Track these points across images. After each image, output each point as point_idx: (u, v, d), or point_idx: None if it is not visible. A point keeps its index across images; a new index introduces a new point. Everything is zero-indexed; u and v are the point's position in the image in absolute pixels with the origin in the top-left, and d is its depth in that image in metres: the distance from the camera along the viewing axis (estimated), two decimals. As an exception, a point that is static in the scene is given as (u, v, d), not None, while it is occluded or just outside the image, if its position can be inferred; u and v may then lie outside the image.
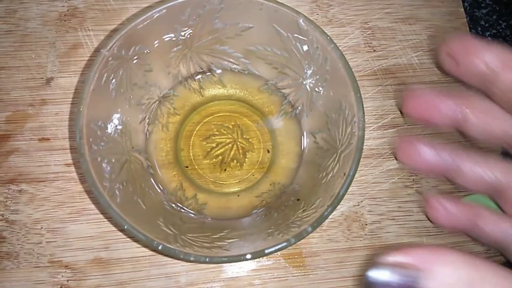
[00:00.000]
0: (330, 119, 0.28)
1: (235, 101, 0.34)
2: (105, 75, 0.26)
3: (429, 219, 0.28)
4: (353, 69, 0.36)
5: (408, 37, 0.38)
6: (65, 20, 0.36)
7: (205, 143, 0.33)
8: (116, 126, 0.28)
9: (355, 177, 0.33)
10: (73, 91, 0.35)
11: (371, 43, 0.37)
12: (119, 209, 0.24)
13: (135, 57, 0.28)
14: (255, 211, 0.30)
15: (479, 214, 0.23)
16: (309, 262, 0.32)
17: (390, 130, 0.35)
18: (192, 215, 0.30)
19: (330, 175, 0.26)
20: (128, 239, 0.32)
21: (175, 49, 0.30)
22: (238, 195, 0.32)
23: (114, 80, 0.27)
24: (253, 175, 0.32)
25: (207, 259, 0.23)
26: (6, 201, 0.32)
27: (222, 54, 0.31)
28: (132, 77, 0.28)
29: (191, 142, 0.33)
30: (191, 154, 0.33)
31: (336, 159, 0.26)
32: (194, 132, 0.33)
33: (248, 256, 0.23)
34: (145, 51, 0.28)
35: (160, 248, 0.23)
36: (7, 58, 0.35)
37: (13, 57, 0.35)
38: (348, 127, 0.25)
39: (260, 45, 0.30)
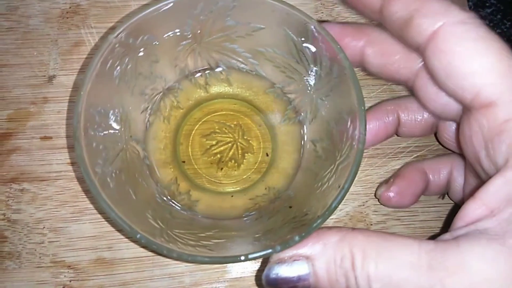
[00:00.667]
0: (332, 129, 0.28)
1: (239, 101, 0.33)
2: (110, 62, 0.25)
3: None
4: (357, 68, 0.36)
5: (413, 36, 0.37)
6: (67, 18, 0.36)
7: (205, 140, 0.33)
8: (116, 113, 0.28)
9: (360, 177, 0.34)
10: (75, 89, 0.34)
11: (376, 42, 0.37)
12: (108, 197, 0.23)
13: (143, 47, 0.27)
14: (246, 213, 0.30)
15: None
16: (314, 262, 0.32)
17: (395, 130, 0.35)
18: (183, 211, 0.29)
19: (325, 186, 0.26)
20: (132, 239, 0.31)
21: (184, 42, 0.29)
22: (232, 196, 0.32)
23: (118, 68, 0.26)
24: (250, 177, 0.32)
25: (190, 258, 0.22)
26: (8, 200, 0.32)
27: (231, 52, 0.30)
28: (137, 66, 0.28)
29: (190, 138, 0.33)
30: (189, 150, 0.33)
31: (333, 170, 0.26)
32: (195, 128, 0.33)
33: (231, 259, 0.23)
34: (154, 42, 0.28)
35: (143, 241, 0.22)
36: (8, 56, 0.35)
37: (14, 54, 0.35)
38: (348, 139, 0.25)
39: (270, 47, 0.29)
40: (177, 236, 0.25)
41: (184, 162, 0.32)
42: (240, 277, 0.31)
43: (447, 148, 0.31)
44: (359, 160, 0.24)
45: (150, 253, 0.31)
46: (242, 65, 0.32)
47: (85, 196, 0.32)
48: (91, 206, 0.32)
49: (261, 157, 0.33)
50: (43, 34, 0.36)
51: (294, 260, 0.22)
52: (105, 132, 0.26)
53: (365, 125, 0.24)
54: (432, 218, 0.33)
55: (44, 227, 0.31)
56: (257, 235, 0.26)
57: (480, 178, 0.25)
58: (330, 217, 0.32)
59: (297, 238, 0.22)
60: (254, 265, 0.31)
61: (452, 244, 0.20)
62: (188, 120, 0.33)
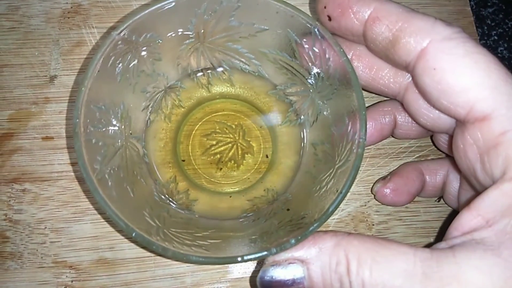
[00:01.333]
0: (332, 133, 0.28)
1: (241, 101, 0.33)
2: (112, 58, 0.26)
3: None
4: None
5: (415, 36, 0.37)
6: (68, 17, 0.36)
7: (205, 139, 0.33)
8: (116, 110, 0.28)
9: (362, 177, 0.34)
10: (77, 89, 0.34)
11: (377, 41, 0.37)
12: (106, 194, 0.23)
13: (146, 45, 0.27)
14: (244, 214, 0.30)
15: None
16: (315, 262, 0.32)
17: (397, 130, 0.35)
18: (180, 210, 0.29)
19: (323, 189, 0.26)
20: (133, 239, 0.31)
21: (187, 41, 0.29)
22: (230, 196, 0.32)
23: (121, 65, 0.27)
24: (248, 178, 0.32)
25: (184, 257, 0.22)
26: (10, 200, 0.32)
27: (234, 53, 0.30)
28: (140, 63, 0.28)
29: (191, 137, 0.33)
30: (189, 149, 0.33)
31: (332, 174, 0.26)
32: (196, 127, 0.33)
33: (226, 260, 0.23)
34: (157, 40, 0.28)
35: (138, 239, 0.22)
36: (10, 56, 0.35)
37: (16, 54, 0.35)
38: (348, 144, 0.25)
39: (273, 49, 0.29)
40: (173, 235, 0.25)
41: (183, 161, 0.32)
42: (242, 277, 0.31)
43: (442, 152, 0.31)
44: (358, 165, 0.24)
45: (152, 254, 0.31)
46: (245, 66, 0.32)
47: (86, 197, 0.32)
48: (92, 206, 0.32)
49: (261, 158, 0.33)
50: (44, 34, 0.35)
51: (289, 263, 0.22)
52: (105, 129, 0.26)
53: (366, 130, 0.24)
54: (433, 218, 0.33)
55: (45, 228, 0.31)
56: (253, 237, 0.26)
57: (474, 187, 0.25)
58: (332, 217, 0.32)
59: (293, 241, 0.22)
60: (256, 266, 0.31)
61: (448, 254, 0.20)
62: (189, 119, 0.33)
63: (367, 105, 0.33)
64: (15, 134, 0.33)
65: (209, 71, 0.32)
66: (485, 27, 0.40)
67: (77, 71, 0.35)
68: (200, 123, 0.33)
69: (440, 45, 0.22)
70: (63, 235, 0.31)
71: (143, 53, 0.28)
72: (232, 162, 0.33)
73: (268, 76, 0.32)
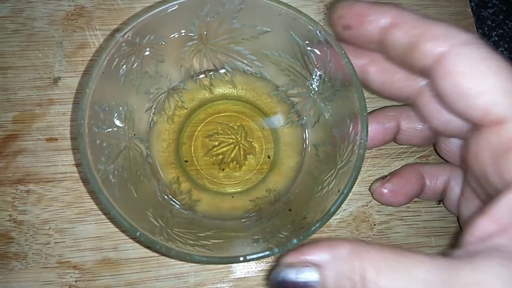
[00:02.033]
0: (334, 134, 0.28)
1: (243, 103, 0.34)
2: (116, 60, 0.26)
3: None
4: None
5: (416, 37, 0.38)
6: (72, 20, 0.36)
7: (207, 140, 0.33)
8: (120, 111, 0.28)
9: (363, 177, 0.34)
10: (80, 91, 0.35)
11: (378, 43, 0.37)
12: (110, 194, 0.23)
13: (149, 46, 0.28)
14: (246, 215, 0.30)
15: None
16: (318, 262, 0.32)
17: (398, 130, 0.35)
18: (183, 210, 0.30)
19: (325, 190, 0.26)
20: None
21: (190, 43, 0.29)
22: (233, 197, 0.32)
23: (124, 66, 0.27)
24: (251, 179, 0.32)
25: (188, 257, 0.23)
26: (14, 201, 0.32)
27: (236, 54, 0.31)
28: (143, 65, 0.28)
29: (193, 138, 0.33)
30: (192, 150, 0.33)
31: (334, 175, 0.26)
32: (199, 128, 0.33)
33: (229, 260, 0.23)
34: (160, 42, 0.28)
35: (142, 239, 0.23)
36: (14, 58, 0.35)
37: (20, 56, 0.35)
38: (350, 144, 0.25)
39: (275, 50, 0.30)
40: (177, 235, 0.25)
41: (186, 161, 0.33)
42: (245, 277, 0.31)
43: (445, 160, 0.31)
44: (359, 166, 0.24)
45: (155, 254, 0.31)
46: (247, 67, 0.32)
47: (90, 197, 0.32)
48: (96, 207, 0.32)
49: (263, 159, 0.33)
50: (48, 36, 0.36)
51: (304, 266, 0.22)
52: (109, 130, 0.27)
53: (367, 131, 0.24)
54: (435, 218, 0.33)
55: (50, 228, 0.32)
56: (255, 237, 0.26)
57: (479, 196, 0.26)
58: (334, 217, 0.32)
59: (295, 241, 0.23)
60: (259, 265, 0.32)
61: (466, 261, 0.20)
62: (191, 120, 0.33)
63: (370, 108, 0.34)
64: (20, 136, 0.33)
65: (211, 73, 0.33)
66: (486, 28, 0.41)
67: (80, 73, 0.35)
68: (202, 124, 0.33)
69: (458, 49, 0.23)
70: (67, 235, 0.32)
71: (147, 54, 0.28)
72: (234, 162, 0.33)
73: (270, 77, 0.32)
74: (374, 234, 0.33)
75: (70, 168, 0.33)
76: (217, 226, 0.29)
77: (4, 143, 0.33)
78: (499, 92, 0.22)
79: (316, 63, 0.28)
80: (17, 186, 0.32)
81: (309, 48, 0.27)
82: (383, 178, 0.32)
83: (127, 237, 0.32)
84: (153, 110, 0.32)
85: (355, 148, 0.24)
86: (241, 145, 0.33)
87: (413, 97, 0.28)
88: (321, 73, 0.28)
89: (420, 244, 0.33)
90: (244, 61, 0.31)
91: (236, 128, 0.33)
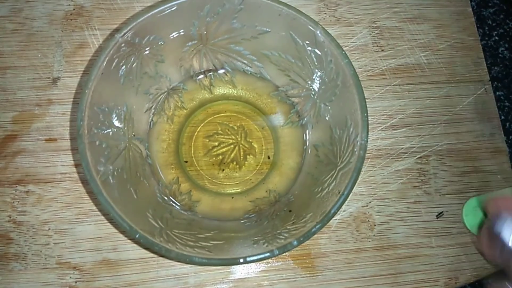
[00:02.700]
0: (334, 134, 0.28)
1: (243, 103, 0.34)
2: (116, 61, 0.26)
3: None
4: (360, 69, 0.36)
5: (416, 37, 0.37)
6: (71, 19, 0.36)
7: (207, 140, 0.33)
8: (120, 112, 0.28)
9: (364, 177, 0.34)
10: (80, 91, 0.34)
11: (379, 42, 0.37)
12: (109, 195, 0.23)
13: (149, 47, 0.28)
14: (246, 215, 0.30)
15: None
16: (318, 263, 0.32)
17: (398, 130, 0.35)
18: (183, 211, 0.30)
19: (325, 191, 0.26)
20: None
21: (190, 43, 0.29)
22: (233, 197, 0.32)
23: (124, 67, 0.27)
24: (251, 179, 0.32)
25: (188, 259, 0.23)
26: (13, 202, 0.32)
27: (236, 55, 0.30)
28: (143, 65, 0.28)
29: (193, 138, 0.33)
30: (191, 150, 0.33)
31: (334, 176, 0.26)
32: (198, 129, 0.33)
33: (229, 261, 0.23)
34: (160, 42, 0.28)
35: (142, 240, 0.23)
36: (13, 58, 0.35)
37: (19, 56, 0.35)
38: (350, 145, 0.25)
39: (275, 51, 0.29)
40: (176, 237, 0.25)
41: (186, 162, 0.32)
42: (245, 278, 0.31)
43: None
44: (360, 167, 0.24)
45: (155, 254, 0.31)
46: (247, 68, 0.32)
47: (90, 198, 0.32)
48: (95, 207, 0.32)
49: (263, 159, 0.33)
50: (47, 36, 0.36)
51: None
52: (108, 131, 0.27)
53: (367, 132, 0.24)
54: (434, 219, 0.33)
55: (49, 229, 0.32)
56: (255, 238, 0.26)
57: None
58: (334, 218, 0.32)
59: (295, 242, 0.23)
60: (259, 266, 0.32)
61: None
62: (191, 120, 0.33)
63: (370, 108, 0.34)
64: (19, 136, 0.33)
65: (211, 73, 0.33)
66: (486, 28, 0.40)
67: (80, 73, 0.35)
68: (202, 125, 0.33)
69: None
70: (67, 236, 0.31)
71: (146, 54, 0.28)
72: (234, 163, 0.33)
73: (270, 77, 0.32)
74: (374, 235, 0.33)
75: (70, 169, 0.33)
76: (217, 227, 0.29)
77: (3, 143, 0.33)
78: None
79: (316, 63, 0.28)
80: (16, 186, 0.32)
81: (309, 48, 0.27)
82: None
83: (126, 238, 0.31)
84: (153, 110, 0.32)
85: (355, 149, 0.24)
86: (241, 145, 0.33)
87: None
88: (321, 73, 0.28)
89: (420, 244, 0.33)
90: (244, 61, 0.31)
91: (236, 128, 0.33)
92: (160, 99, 0.32)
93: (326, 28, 0.26)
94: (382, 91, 0.36)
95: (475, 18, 0.39)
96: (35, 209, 0.32)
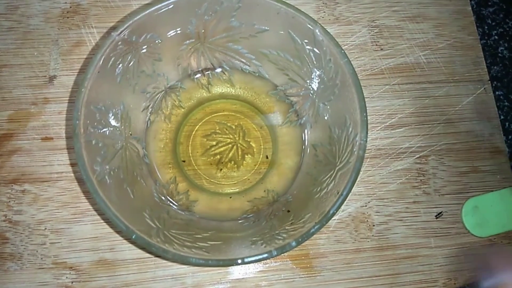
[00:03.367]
0: (333, 134, 0.27)
1: (241, 102, 0.33)
2: (112, 59, 0.25)
3: None
4: (360, 68, 0.36)
5: (416, 36, 0.37)
6: (67, 17, 0.36)
7: (205, 140, 0.33)
8: (116, 111, 0.28)
9: (362, 177, 0.34)
10: (76, 89, 0.34)
11: (378, 41, 0.37)
12: (105, 195, 0.23)
13: (146, 45, 0.27)
14: (244, 215, 0.30)
15: None
16: (316, 263, 0.32)
17: (397, 130, 0.35)
18: (181, 211, 0.29)
19: (324, 191, 0.26)
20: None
21: (187, 42, 0.29)
22: (231, 197, 0.31)
23: (121, 65, 0.26)
24: (249, 179, 0.32)
25: (184, 260, 0.22)
26: (9, 201, 0.32)
27: (234, 53, 0.30)
28: (140, 64, 0.28)
29: (191, 137, 0.33)
30: (189, 149, 0.32)
31: (333, 176, 0.26)
32: (196, 128, 0.33)
33: (227, 262, 0.23)
34: (157, 41, 0.28)
35: (138, 241, 0.22)
36: (9, 56, 0.35)
37: (15, 54, 0.35)
38: (349, 145, 0.25)
39: (274, 49, 0.29)
40: (174, 237, 0.25)
41: (184, 161, 0.32)
42: (243, 278, 0.31)
43: None
44: (359, 167, 0.23)
45: (152, 255, 0.31)
46: (246, 66, 0.32)
47: (86, 198, 0.32)
48: (92, 207, 0.32)
49: (261, 159, 0.33)
50: (43, 34, 0.35)
51: None
52: (105, 130, 0.26)
53: (367, 132, 0.24)
54: (433, 219, 0.33)
55: (45, 228, 0.31)
56: (253, 239, 0.26)
57: None
58: (332, 218, 0.32)
59: (293, 243, 0.22)
60: (257, 267, 0.31)
61: None
62: (189, 119, 0.33)
63: (369, 108, 0.33)
64: (15, 135, 0.33)
65: (209, 72, 0.32)
66: (486, 27, 0.40)
67: (76, 71, 0.35)
68: (200, 124, 0.33)
69: None
70: (63, 236, 0.31)
71: (143, 53, 0.28)
72: (232, 162, 0.32)
73: (268, 76, 0.32)
74: (373, 235, 0.32)
75: (66, 168, 0.33)
76: (214, 227, 0.29)
77: (-1, 142, 0.33)
78: None
79: (315, 62, 0.27)
80: (12, 186, 0.32)
81: (308, 47, 0.27)
82: None
83: (123, 238, 0.31)
84: (150, 109, 0.31)
85: (354, 149, 0.24)
86: (239, 145, 0.33)
87: None
88: (320, 72, 0.28)
89: (419, 245, 0.32)
90: (242, 60, 0.31)
91: (234, 127, 0.33)
92: (158, 98, 0.32)
93: (325, 27, 0.26)
94: (381, 90, 0.36)
95: (474, 17, 0.39)
96: (31, 208, 0.32)
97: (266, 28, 0.28)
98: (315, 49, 0.26)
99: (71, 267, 0.31)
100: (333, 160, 0.26)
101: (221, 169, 0.32)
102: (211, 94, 0.33)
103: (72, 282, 0.30)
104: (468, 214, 0.33)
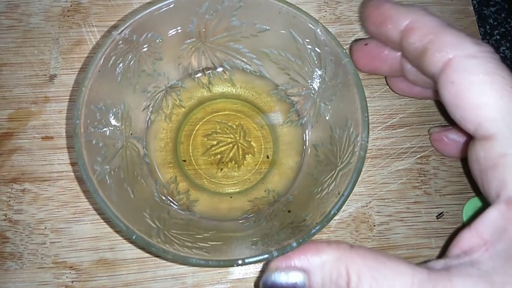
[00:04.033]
0: (334, 134, 0.27)
1: (242, 101, 0.33)
2: (113, 58, 0.25)
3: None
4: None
5: (417, 35, 0.37)
6: (68, 16, 0.36)
7: (206, 139, 0.33)
8: (117, 110, 0.27)
9: (363, 177, 0.34)
10: (77, 88, 0.34)
11: (379, 41, 0.37)
12: (106, 195, 0.23)
13: (146, 44, 0.27)
14: (245, 215, 0.30)
15: None
16: (317, 263, 0.32)
17: (398, 130, 0.35)
18: (181, 211, 0.29)
19: (325, 192, 0.26)
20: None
21: (188, 41, 0.29)
22: (231, 197, 0.31)
23: (121, 64, 0.26)
24: (249, 179, 0.32)
25: (185, 260, 0.22)
26: (9, 200, 0.32)
27: (235, 53, 0.30)
28: (140, 63, 0.28)
29: (192, 137, 0.33)
30: (190, 149, 0.32)
31: (334, 176, 0.26)
32: (197, 127, 0.33)
33: (228, 263, 0.23)
34: (157, 40, 0.28)
35: (139, 241, 0.22)
36: (9, 54, 0.34)
37: (15, 53, 0.35)
38: (350, 146, 0.25)
39: (275, 49, 0.29)
40: (174, 237, 0.25)
41: (184, 161, 0.32)
42: (243, 278, 0.31)
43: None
44: (360, 167, 0.23)
45: (152, 254, 0.31)
46: (247, 66, 0.31)
47: (86, 197, 0.32)
48: (92, 207, 0.32)
49: (262, 159, 0.32)
50: (44, 32, 0.35)
51: (292, 271, 0.23)
52: (105, 129, 0.26)
53: (368, 132, 0.24)
54: (434, 219, 0.33)
55: (45, 228, 0.31)
56: (254, 239, 0.26)
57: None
58: (333, 218, 0.32)
59: (294, 244, 0.22)
60: (257, 267, 0.31)
61: (444, 277, 0.21)
62: (189, 119, 0.33)
63: (370, 108, 0.33)
64: (15, 134, 0.33)
65: (210, 71, 0.32)
66: (488, 27, 0.40)
67: (77, 70, 0.35)
68: (200, 123, 0.33)
69: (462, 61, 0.23)
70: (63, 235, 0.31)
71: (144, 52, 0.28)
72: (233, 162, 0.32)
73: (269, 76, 0.32)
74: (373, 235, 0.32)
75: (66, 167, 0.32)
76: (215, 227, 0.29)
77: (-1, 141, 0.33)
78: (496, 109, 0.22)
79: (316, 62, 0.27)
80: (12, 185, 0.32)
81: (309, 46, 0.27)
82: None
83: (123, 237, 0.31)
84: (151, 108, 0.31)
85: (355, 149, 0.24)
86: (239, 144, 0.33)
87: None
88: (321, 72, 0.28)
89: (420, 245, 0.32)
90: (243, 59, 0.31)
91: (234, 127, 0.33)
92: (158, 97, 0.32)
93: (326, 26, 0.26)
94: (383, 90, 0.36)
95: (476, 17, 0.39)
96: (31, 207, 0.32)
97: (267, 27, 0.28)
98: (316, 49, 0.26)
99: (71, 267, 0.31)
100: (334, 160, 0.26)
101: (221, 169, 0.32)
102: (212, 94, 0.33)
103: (72, 282, 0.30)
104: (469, 214, 0.33)
